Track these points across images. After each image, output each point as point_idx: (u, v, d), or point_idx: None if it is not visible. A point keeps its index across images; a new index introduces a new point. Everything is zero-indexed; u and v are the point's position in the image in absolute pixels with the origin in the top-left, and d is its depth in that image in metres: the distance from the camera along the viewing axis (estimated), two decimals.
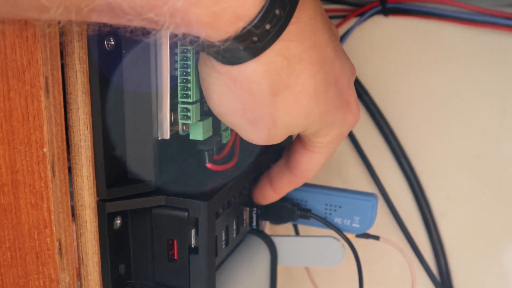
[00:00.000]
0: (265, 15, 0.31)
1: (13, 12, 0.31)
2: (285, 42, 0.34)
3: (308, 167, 0.45)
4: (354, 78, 0.44)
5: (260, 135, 0.39)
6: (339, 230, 0.54)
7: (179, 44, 0.39)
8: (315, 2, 0.36)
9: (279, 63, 0.35)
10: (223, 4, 0.30)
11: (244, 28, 0.32)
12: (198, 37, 0.32)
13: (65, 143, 0.37)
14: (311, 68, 0.36)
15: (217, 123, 0.44)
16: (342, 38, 0.64)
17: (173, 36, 0.34)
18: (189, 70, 0.40)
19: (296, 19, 0.34)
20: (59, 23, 0.32)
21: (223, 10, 0.30)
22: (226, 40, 0.32)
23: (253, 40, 0.32)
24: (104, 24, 0.32)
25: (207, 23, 0.31)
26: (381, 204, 0.68)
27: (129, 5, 0.29)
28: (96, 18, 0.31)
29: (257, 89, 0.35)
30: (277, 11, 0.32)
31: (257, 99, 0.36)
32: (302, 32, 0.35)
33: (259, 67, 0.34)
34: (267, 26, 0.32)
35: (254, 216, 0.54)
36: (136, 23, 0.31)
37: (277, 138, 0.40)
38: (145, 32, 0.33)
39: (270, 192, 0.50)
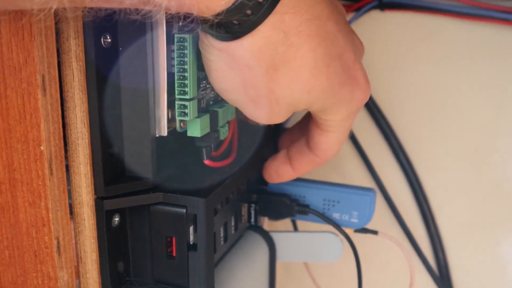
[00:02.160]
0: None
1: (4, 1, 0.30)
2: (280, 14, 0.34)
3: (327, 147, 0.45)
4: (363, 54, 0.43)
5: (263, 113, 0.39)
6: (337, 225, 0.54)
7: (176, 40, 0.39)
8: None
9: (275, 36, 0.34)
10: None
11: (236, 0, 0.31)
12: (191, 13, 0.32)
13: (62, 141, 0.37)
14: (310, 42, 0.36)
15: (214, 120, 0.44)
16: None
17: (167, 14, 0.34)
18: (186, 66, 0.39)
19: None
20: (53, 15, 0.31)
21: None
22: (218, 14, 0.32)
23: (247, 13, 0.32)
24: (99, 11, 0.32)
25: None
26: (379, 199, 0.68)
27: None
28: (88, 1, 0.31)
29: (256, 64, 0.35)
30: None
31: (256, 75, 0.36)
32: (299, 4, 0.34)
33: (256, 41, 0.34)
34: None
35: (253, 212, 0.54)
36: (128, 3, 0.31)
37: (281, 115, 0.39)
38: (138, 13, 0.32)
39: (289, 171, 0.49)
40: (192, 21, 0.33)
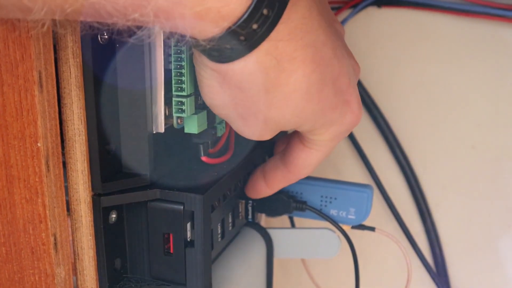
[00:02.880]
0: (252, 15, 0.31)
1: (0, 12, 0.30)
2: (274, 41, 0.33)
3: (304, 164, 0.45)
4: (358, 77, 0.43)
5: (251, 130, 0.39)
6: (334, 222, 0.54)
7: (172, 42, 0.39)
8: (311, 1, 0.35)
9: (268, 62, 0.34)
10: (207, 4, 0.30)
11: (229, 28, 0.31)
12: (184, 35, 0.32)
13: (59, 137, 0.37)
14: (305, 68, 0.35)
15: (212, 116, 0.44)
16: None
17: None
18: (183, 63, 0.39)
19: (286, 18, 0.33)
20: (44, 24, 0.31)
21: (207, 10, 0.30)
22: (211, 40, 0.32)
23: (240, 39, 0.32)
24: (93, 27, 0.32)
25: (191, 22, 0.31)
26: (377, 196, 0.68)
27: (113, 6, 0.29)
28: (80, 18, 0.31)
29: (247, 87, 0.35)
30: (264, 11, 0.31)
31: (247, 96, 0.36)
32: (294, 32, 0.34)
33: (247, 66, 0.34)
34: (254, 26, 0.32)
35: (250, 208, 0.54)
36: (122, 23, 0.31)
37: (268, 134, 0.39)
38: (132, 33, 0.32)
39: (264, 187, 0.50)
40: (185, 43, 0.33)
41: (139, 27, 0.32)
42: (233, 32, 0.31)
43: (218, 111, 0.39)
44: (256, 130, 0.39)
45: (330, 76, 0.38)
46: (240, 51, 0.33)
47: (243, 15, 0.31)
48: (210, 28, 0.31)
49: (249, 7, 0.31)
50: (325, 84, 0.37)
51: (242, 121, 0.39)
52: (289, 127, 0.39)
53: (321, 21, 0.36)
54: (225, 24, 0.31)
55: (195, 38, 0.32)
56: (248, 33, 0.32)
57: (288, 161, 0.46)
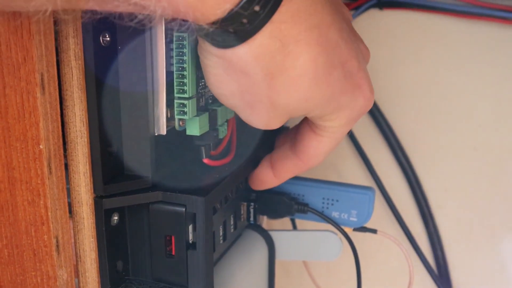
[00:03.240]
0: None
1: (1, 2, 0.30)
2: (278, 23, 0.33)
3: (316, 152, 0.44)
4: (367, 61, 0.42)
5: (259, 118, 0.38)
6: (336, 224, 0.54)
7: (174, 39, 0.39)
8: None
9: (272, 45, 0.34)
10: None
11: (232, 10, 0.31)
12: (186, 21, 0.32)
13: (61, 139, 0.37)
14: (310, 51, 0.35)
15: (213, 118, 0.44)
16: None
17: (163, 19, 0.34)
18: (185, 65, 0.39)
19: (288, 0, 0.33)
20: (46, 11, 0.31)
21: None
22: (214, 23, 0.32)
23: (243, 22, 0.32)
24: (95, 13, 0.32)
25: (193, 5, 0.30)
26: (378, 198, 0.68)
27: None
28: (82, 4, 0.30)
29: (252, 72, 0.35)
30: None
31: (253, 82, 0.36)
32: (298, 14, 0.34)
33: (252, 50, 0.34)
34: (256, 8, 0.31)
35: (252, 211, 0.54)
36: (123, 8, 0.31)
37: (276, 121, 0.39)
38: (134, 18, 0.32)
39: (271, 177, 0.49)
40: (188, 28, 0.32)
41: (140, 13, 0.32)
42: (235, 14, 0.31)
43: (225, 100, 0.39)
44: (264, 118, 0.38)
45: (338, 59, 0.37)
46: (243, 34, 0.33)
47: None
48: (212, 10, 0.31)
49: None
50: (333, 67, 0.37)
51: (250, 109, 0.38)
52: (298, 113, 0.39)
53: (325, 3, 0.36)
54: (227, 6, 0.31)
55: (197, 23, 0.32)
56: (251, 15, 0.32)
57: (298, 150, 0.45)
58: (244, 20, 0.32)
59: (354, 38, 0.40)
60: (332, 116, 0.40)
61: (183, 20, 0.32)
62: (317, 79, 0.36)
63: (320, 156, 0.44)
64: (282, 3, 0.33)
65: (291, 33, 0.34)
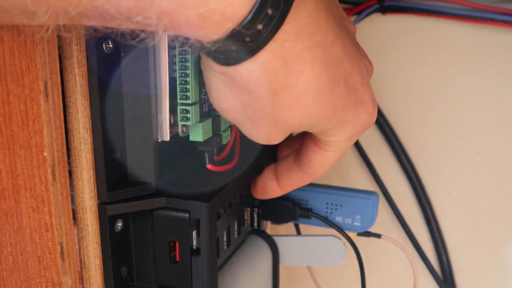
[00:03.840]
0: (256, 15, 0.31)
1: (3, 18, 0.31)
2: (281, 42, 0.33)
3: (320, 166, 0.44)
4: (371, 75, 0.42)
5: (260, 133, 0.38)
6: (340, 229, 0.54)
7: (177, 45, 0.39)
8: None
9: (275, 63, 0.34)
10: (210, 5, 0.29)
11: (234, 29, 0.31)
12: (189, 38, 0.32)
13: (65, 146, 0.37)
14: (313, 68, 0.35)
15: (217, 124, 0.44)
16: None
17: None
18: (188, 71, 0.39)
19: (292, 18, 0.33)
20: (48, 28, 0.31)
21: (211, 11, 0.30)
22: (216, 42, 0.31)
23: (245, 41, 0.32)
24: (97, 30, 0.32)
25: (195, 25, 0.30)
26: (382, 202, 0.68)
27: (116, 9, 0.29)
28: (85, 22, 0.30)
29: (255, 89, 0.35)
30: (269, 11, 0.31)
31: (256, 99, 0.36)
32: (301, 31, 0.33)
33: (254, 67, 0.34)
34: (259, 27, 0.31)
35: (255, 216, 0.54)
36: (126, 26, 0.31)
37: (278, 136, 0.39)
38: (136, 36, 0.32)
39: (275, 188, 0.49)
40: (190, 46, 0.32)
41: (143, 30, 0.32)
42: (238, 33, 0.31)
43: (227, 115, 0.39)
44: (266, 133, 0.38)
45: (341, 76, 0.37)
46: (246, 52, 0.33)
47: (247, 15, 0.30)
48: (215, 30, 0.31)
49: (253, 7, 0.30)
50: (336, 84, 0.37)
51: (251, 124, 0.38)
52: (300, 129, 0.39)
53: (329, 20, 0.36)
54: (230, 25, 0.31)
55: (200, 41, 0.32)
56: (253, 34, 0.31)
57: (303, 163, 0.45)
58: (247, 39, 0.32)
59: (358, 53, 0.40)
60: (335, 131, 0.40)
61: (186, 38, 0.32)
62: (320, 95, 0.36)
63: (324, 169, 0.45)
64: (286, 21, 0.32)
65: (294, 51, 0.34)
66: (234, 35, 0.31)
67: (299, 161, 0.46)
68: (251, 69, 0.34)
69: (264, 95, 0.35)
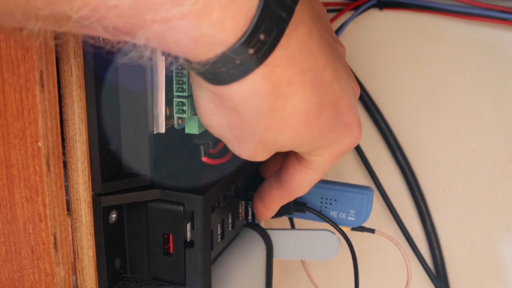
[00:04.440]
0: (248, 40, 0.30)
1: None
2: (271, 67, 0.32)
3: (300, 184, 0.45)
4: (357, 97, 0.42)
5: (246, 151, 0.39)
6: (334, 224, 0.54)
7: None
8: (312, 25, 0.34)
9: (264, 87, 0.33)
10: (202, 29, 0.29)
11: (224, 52, 0.30)
12: (178, 57, 0.31)
13: (60, 137, 0.37)
14: (303, 93, 0.35)
15: None
16: (337, 31, 0.64)
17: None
18: None
19: (284, 44, 0.32)
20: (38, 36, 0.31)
21: (202, 35, 0.29)
22: (206, 63, 0.31)
23: (236, 63, 0.31)
24: (97, 47, 0.32)
25: (185, 47, 0.30)
26: (377, 198, 0.68)
27: (103, 29, 0.28)
28: (75, 32, 0.30)
29: (243, 110, 0.34)
30: (261, 36, 0.30)
31: (243, 120, 0.35)
32: (293, 57, 0.33)
33: (243, 90, 0.33)
34: (250, 51, 0.31)
35: (250, 209, 0.54)
36: (114, 42, 0.30)
37: (264, 155, 0.39)
38: (127, 55, 0.31)
39: (262, 209, 0.50)
40: (179, 65, 0.32)
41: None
42: (228, 56, 0.30)
43: (214, 131, 0.39)
44: (252, 152, 0.38)
45: (330, 99, 0.37)
46: (235, 74, 0.32)
47: (239, 40, 0.30)
48: (205, 52, 0.30)
49: (245, 33, 0.30)
50: (324, 107, 0.37)
51: (237, 142, 0.38)
52: (286, 149, 0.39)
53: (321, 45, 0.35)
54: (220, 49, 0.30)
55: (189, 61, 0.31)
56: (244, 58, 0.31)
57: (283, 180, 0.46)
58: (237, 61, 0.31)
59: (347, 77, 0.39)
60: (320, 152, 0.40)
61: (175, 56, 0.31)
62: (308, 118, 0.36)
63: (304, 187, 0.45)
64: (278, 47, 0.32)
65: (285, 76, 0.33)
66: (225, 58, 0.31)
67: (280, 179, 0.46)
68: (240, 90, 0.33)
69: (252, 117, 0.35)
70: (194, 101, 0.38)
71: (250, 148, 0.38)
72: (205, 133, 0.44)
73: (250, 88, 0.33)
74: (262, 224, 0.57)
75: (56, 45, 0.35)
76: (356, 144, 0.41)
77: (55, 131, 0.37)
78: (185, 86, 0.40)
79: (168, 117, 0.41)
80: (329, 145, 0.40)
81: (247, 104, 0.34)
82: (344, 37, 0.65)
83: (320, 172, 0.43)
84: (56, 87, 0.36)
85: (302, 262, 0.68)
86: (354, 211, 0.54)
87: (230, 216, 0.50)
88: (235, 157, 0.48)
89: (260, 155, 0.39)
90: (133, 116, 0.40)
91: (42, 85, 0.35)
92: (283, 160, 0.46)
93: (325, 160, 0.41)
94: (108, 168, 0.40)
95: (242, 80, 0.32)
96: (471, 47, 0.62)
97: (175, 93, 0.40)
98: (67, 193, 0.39)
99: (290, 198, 0.47)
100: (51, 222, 0.37)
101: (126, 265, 0.44)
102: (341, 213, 0.54)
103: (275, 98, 0.34)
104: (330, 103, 0.37)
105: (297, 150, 0.40)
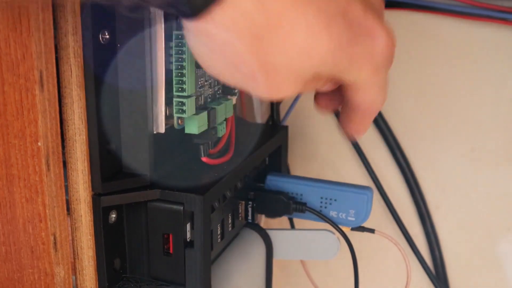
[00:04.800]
0: None
1: None
2: None
3: (365, 105, 0.41)
4: (382, 5, 0.39)
5: (265, 86, 0.34)
6: (334, 223, 0.54)
7: (174, 37, 0.39)
8: None
9: (248, 5, 0.30)
10: None
11: None
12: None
13: (59, 137, 0.37)
14: (297, 7, 0.32)
15: (212, 117, 0.44)
16: None
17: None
18: (184, 63, 0.39)
19: None
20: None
21: None
22: None
23: None
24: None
25: None
26: (376, 197, 0.68)
27: None
28: None
29: (235, 38, 0.31)
30: None
31: (240, 50, 0.32)
32: None
33: (227, 13, 0.30)
34: None
35: (250, 209, 0.54)
36: None
37: (286, 85, 0.35)
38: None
39: (354, 126, 0.44)
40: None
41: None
42: None
43: (224, 78, 0.36)
44: (270, 85, 0.34)
45: (336, 9, 0.34)
46: None
47: None
48: None
49: None
50: (330, 19, 0.33)
51: (251, 80, 0.34)
52: (307, 74, 0.35)
53: None
54: None
55: None
56: None
57: (354, 107, 0.41)
58: None
59: None
60: (353, 69, 0.37)
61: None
62: (313, 32, 0.33)
63: (376, 102, 0.41)
64: None
65: None
66: None
67: (349, 107, 0.42)
68: (223, 16, 0.31)
69: (247, 42, 0.32)
70: (194, 57, 0.35)
71: (267, 82, 0.34)
72: (205, 133, 0.44)
73: (233, 10, 0.30)
74: (262, 224, 0.57)
75: (55, 45, 0.35)
76: (392, 48, 0.38)
77: (55, 131, 0.36)
78: (185, 86, 0.40)
79: (168, 117, 0.41)
80: (358, 59, 0.36)
81: (236, 29, 0.31)
82: None
83: (374, 87, 0.39)
84: (56, 87, 0.36)
85: (302, 262, 0.68)
86: (354, 211, 0.54)
87: (230, 216, 0.50)
88: (235, 156, 0.48)
89: (282, 87, 0.35)
90: (133, 116, 0.40)
91: (41, 85, 0.34)
92: (340, 99, 0.43)
93: (367, 76, 0.38)
94: (108, 168, 0.40)
95: (222, 3, 0.30)
96: (470, 47, 0.62)
97: (175, 93, 0.40)
98: (67, 193, 0.39)
99: (371, 116, 0.43)
100: (50, 222, 0.37)
101: (126, 265, 0.44)
102: (341, 213, 0.54)
103: (264, 15, 0.31)
104: (337, 13, 0.34)
105: (325, 74, 0.36)
